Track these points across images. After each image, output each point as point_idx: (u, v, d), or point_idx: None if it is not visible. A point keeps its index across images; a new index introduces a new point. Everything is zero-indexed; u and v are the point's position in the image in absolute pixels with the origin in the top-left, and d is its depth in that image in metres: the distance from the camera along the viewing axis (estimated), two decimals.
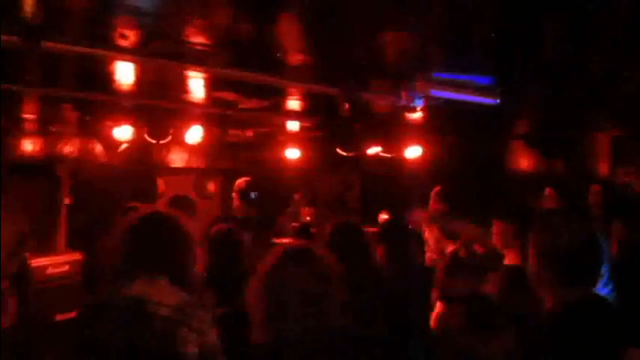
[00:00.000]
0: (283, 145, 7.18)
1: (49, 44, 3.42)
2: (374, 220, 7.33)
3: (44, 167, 6.52)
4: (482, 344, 1.92)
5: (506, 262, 3.59)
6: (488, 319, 2.03)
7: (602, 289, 3.53)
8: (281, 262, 1.82)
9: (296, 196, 8.28)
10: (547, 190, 5.02)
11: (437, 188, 4.75)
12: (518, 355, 2.05)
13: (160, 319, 1.93)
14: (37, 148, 6.45)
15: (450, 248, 3.83)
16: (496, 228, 3.73)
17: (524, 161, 7.22)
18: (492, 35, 3.58)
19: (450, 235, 3.88)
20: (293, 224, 6.78)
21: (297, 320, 1.71)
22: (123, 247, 2.09)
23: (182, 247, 2.12)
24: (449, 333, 2.00)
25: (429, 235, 4.04)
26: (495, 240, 3.74)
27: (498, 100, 4.54)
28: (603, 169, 6.51)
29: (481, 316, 2.04)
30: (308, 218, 7.79)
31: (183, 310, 1.97)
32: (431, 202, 4.65)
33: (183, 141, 6.00)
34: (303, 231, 6.89)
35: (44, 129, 6.32)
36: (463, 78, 4.39)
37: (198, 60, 4.06)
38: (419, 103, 4.64)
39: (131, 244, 2.09)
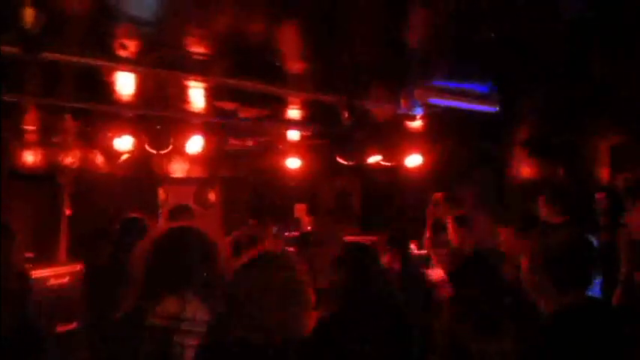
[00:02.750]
0: (284, 154, 7.18)
1: (49, 55, 3.44)
2: (374, 229, 7.32)
3: (45, 178, 6.52)
4: (491, 343, 1.92)
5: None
6: (496, 320, 2.04)
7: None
8: (245, 267, 1.83)
9: (297, 206, 8.27)
10: (540, 198, 5.02)
11: (439, 194, 4.73)
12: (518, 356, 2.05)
13: (196, 335, 1.94)
14: (39, 159, 6.47)
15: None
16: (502, 234, 3.78)
17: (524, 168, 7.22)
18: (492, 35, 3.59)
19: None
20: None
21: (255, 327, 1.71)
22: (151, 262, 2.07)
23: (208, 261, 2.10)
24: (458, 334, 2.00)
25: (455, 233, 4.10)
26: (502, 245, 3.78)
27: (497, 108, 4.55)
28: (603, 175, 6.50)
29: (489, 316, 2.04)
30: (309, 227, 7.78)
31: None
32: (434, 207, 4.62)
33: (184, 151, 6.01)
34: (304, 240, 6.87)
35: (45, 140, 6.34)
36: (462, 86, 4.40)
37: (198, 69, 4.08)
38: (418, 111, 4.66)
39: (160, 259, 2.07)
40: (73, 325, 5.00)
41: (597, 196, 4.92)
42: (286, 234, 7.27)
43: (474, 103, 4.51)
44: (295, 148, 7.12)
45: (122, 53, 3.68)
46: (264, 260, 1.84)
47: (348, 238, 3.16)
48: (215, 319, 1.83)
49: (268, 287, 1.75)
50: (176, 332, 1.95)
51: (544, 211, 4.82)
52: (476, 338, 1.98)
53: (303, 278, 1.83)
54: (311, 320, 1.81)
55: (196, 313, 1.99)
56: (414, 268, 4.15)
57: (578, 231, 2.21)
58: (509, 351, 1.94)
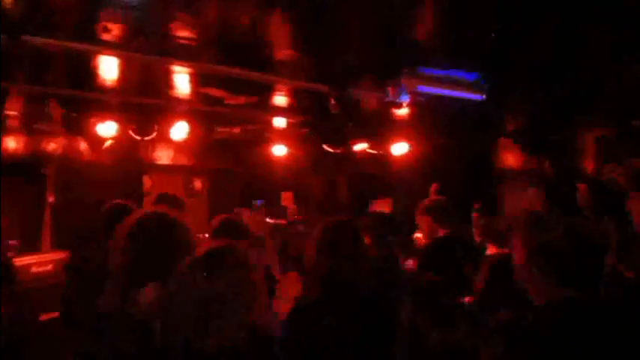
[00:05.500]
0: (271, 143, 7.15)
1: (31, 39, 3.37)
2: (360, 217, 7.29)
3: (29, 166, 6.44)
4: (449, 333, 1.92)
5: (489, 251, 3.63)
6: (451, 311, 2.03)
7: None
8: (194, 263, 1.74)
9: (284, 194, 8.25)
10: (531, 190, 5.07)
11: (435, 185, 4.84)
12: (493, 348, 2.05)
13: None
14: (22, 147, 6.37)
15: (441, 233, 3.94)
16: (421, 223, 3.86)
17: (511, 158, 7.26)
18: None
19: (443, 223, 3.98)
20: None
21: (200, 325, 1.64)
22: (128, 249, 2.02)
23: (186, 246, 2.04)
24: (418, 323, 1.99)
25: (422, 223, 4.14)
26: (476, 232, 3.83)
27: (484, 96, 4.56)
28: (589, 166, 6.56)
29: (444, 307, 2.03)
30: (296, 216, 7.77)
31: None
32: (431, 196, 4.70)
33: (170, 138, 5.95)
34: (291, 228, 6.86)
35: (28, 127, 6.24)
36: (450, 74, 4.39)
37: (184, 55, 4.03)
38: (405, 99, 4.64)
39: (137, 247, 2.02)
40: (57, 314, 4.95)
41: (580, 187, 4.95)
42: (273, 222, 7.27)
43: (462, 91, 4.50)
44: (282, 137, 7.09)
45: (106, 37, 3.62)
46: (213, 259, 1.74)
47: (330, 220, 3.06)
48: (163, 322, 1.74)
49: (215, 289, 1.66)
50: (157, 319, 1.92)
51: (535, 202, 4.87)
52: (435, 328, 1.97)
53: (255, 277, 1.74)
54: (269, 317, 1.74)
55: None
56: (392, 255, 4.13)
57: (583, 222, 2.17)
58: (463, 341, 1.92)
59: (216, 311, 1.63)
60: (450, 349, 1.94)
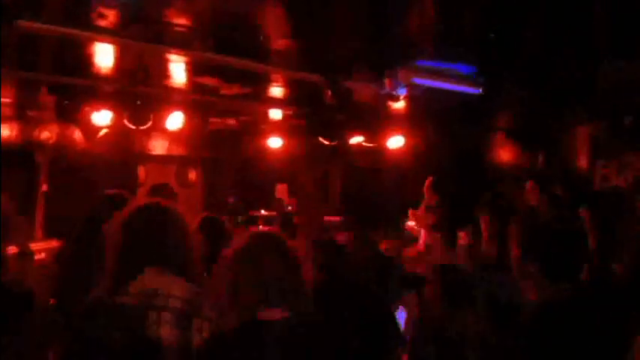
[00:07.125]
0: (265, 135, 7.14)
1: (25, 24, 3.34)
2: (353, 210, 7.33)
3: (21, 154, 6.40)
4: (455, 318, 1.95)
5: None
6: (462, 293, 2.06)
7: None
8: (246, 247, 1.86)
9: (279, 186, 8.24)
10: (529, 184, 5.04)
11: (430, 180, 4.78)
12: (492, 335, 2.08)
13: (172, 311, 1.92)
14: (14, 134, 6.33)
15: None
16: (484, 222, 3.83)
17: (504, 153, 7.28)
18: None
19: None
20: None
21: (263, 305, 1.78)
22: (123, 240, 2.02)
23: (182, 237, 2.07)
24: (427, 309, 2.03)
25: (420, 224, 4.11)
26: (484, 233, 3.83)
27: (480, 90, 4.56)
28: (582, 162, 6.58)
29: (455, 290, 2.07)
30: (290, 208, 7.77)
31: (193, 301, 1.96)
32: (426, 193, 4.65)
33: (165, 128, 5.92)
34: (286, 220, 6.87)
35: (21, 114, 6.20)
36: (446, 66, 4.39)
37: (180, 43, 4.00)
38: (402, 92, 4.64)
39: (132, 237, 2.02)
40: (50, 303, 4.93)
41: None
42: (265, 213, 7.27)
43: (458, 84, 4.50)
44: (278, 128, 7.07)
45: (101, 23, 3.59)
46: (261, 242, 1.89)
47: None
48: (219, 306, 1.88)
49: (270, 269, 1.82)
50: (150, 309, 1.92)
51: (531, 196, 4.85)
52: (450, 318, 2.00)
53: (298, 255, 1.90)
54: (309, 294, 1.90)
55: (171, 288, 1.96)
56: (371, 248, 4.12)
57: (568, 220, 2.22)
58: (479, 325, 1.96)
59: (279, 287, 1.82)
60: (463, 333, 1.99)
